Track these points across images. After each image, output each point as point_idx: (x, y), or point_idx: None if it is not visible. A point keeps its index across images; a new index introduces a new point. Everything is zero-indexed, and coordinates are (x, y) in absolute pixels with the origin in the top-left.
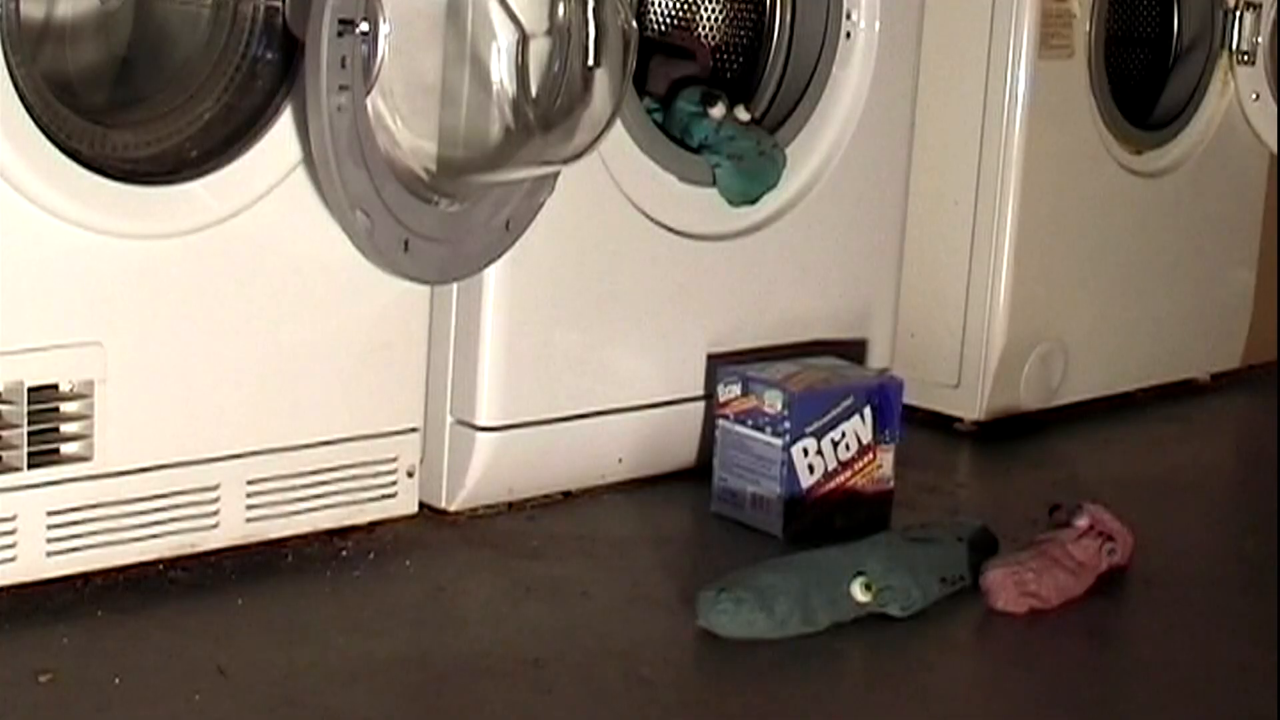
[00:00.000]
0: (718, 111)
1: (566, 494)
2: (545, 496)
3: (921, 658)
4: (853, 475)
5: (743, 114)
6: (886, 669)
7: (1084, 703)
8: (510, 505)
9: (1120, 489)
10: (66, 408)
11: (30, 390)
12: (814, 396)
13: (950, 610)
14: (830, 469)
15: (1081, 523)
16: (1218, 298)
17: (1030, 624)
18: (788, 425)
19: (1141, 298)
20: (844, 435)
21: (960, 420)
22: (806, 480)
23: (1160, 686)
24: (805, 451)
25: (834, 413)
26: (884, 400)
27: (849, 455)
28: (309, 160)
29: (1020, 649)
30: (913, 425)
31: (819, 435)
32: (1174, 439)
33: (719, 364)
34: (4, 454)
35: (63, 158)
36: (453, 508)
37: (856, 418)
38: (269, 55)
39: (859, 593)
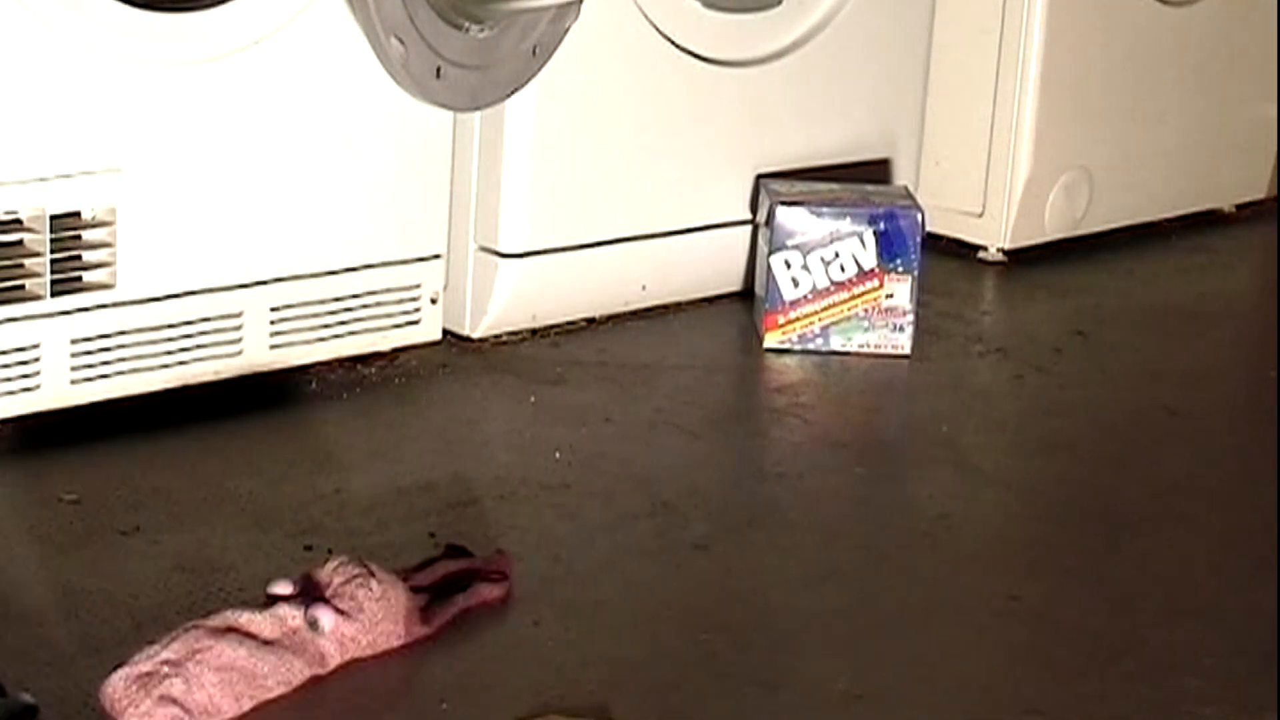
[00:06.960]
0: None
1: (590, 320)
2: (569, 323)
3: None
4: (850, 298)
5: None
6: None
7: (1111, 531)
8: (534, 332)
9: (1144, 318)
10: (89, 235)
11: (53, 218)
12: (802, 212)
13: None
14: (820, 286)
15: (280, 589)
16: (1244, 128)
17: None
18: (770, 235)
19: (1167, 127)
20: (837, 255)
21: (985, 249)
22: (791, 293)
23: (1184, 513)
24: (787, 264)
25: (825, 231)
26: (893, 227)
27: (844, 277)
28: None
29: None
30: (936, 253)
31: (804, 250)
32: (1198, 269)
33: (764, 182)
34: (27, 282)
35: None
36: (476, 334)
37: (855, 240)
38: None
39: None
